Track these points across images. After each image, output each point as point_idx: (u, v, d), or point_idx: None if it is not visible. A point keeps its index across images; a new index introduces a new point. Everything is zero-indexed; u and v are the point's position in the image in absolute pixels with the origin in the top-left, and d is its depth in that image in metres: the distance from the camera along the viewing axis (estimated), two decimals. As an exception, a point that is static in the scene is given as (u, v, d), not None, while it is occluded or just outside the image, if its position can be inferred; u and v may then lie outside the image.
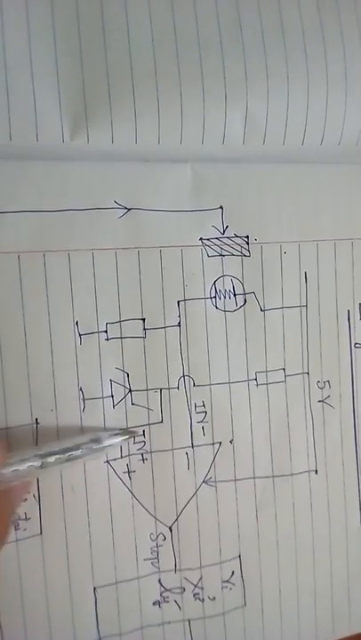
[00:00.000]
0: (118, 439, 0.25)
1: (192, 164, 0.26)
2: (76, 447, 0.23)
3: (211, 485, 0.27)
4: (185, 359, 0.26)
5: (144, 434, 0.26)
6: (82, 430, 0.25)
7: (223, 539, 0.27)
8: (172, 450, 0.26)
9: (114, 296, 0.25)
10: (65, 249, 0.24)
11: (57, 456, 0.23)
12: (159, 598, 0.27)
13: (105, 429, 0.25)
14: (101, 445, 0.24)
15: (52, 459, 0.23)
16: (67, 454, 0.23)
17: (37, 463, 0.22)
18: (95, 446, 0.24)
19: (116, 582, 0.26)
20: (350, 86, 0.26)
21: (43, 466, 0.23)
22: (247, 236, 0.27)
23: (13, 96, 0.22)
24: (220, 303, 0.27)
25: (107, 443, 0.24)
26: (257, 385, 0.27)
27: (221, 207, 0.26)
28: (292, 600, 0.28)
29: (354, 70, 0.26)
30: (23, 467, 0.22)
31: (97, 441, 0.24)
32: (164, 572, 0.27)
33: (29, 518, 0.24)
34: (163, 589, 0.27)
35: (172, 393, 0.26)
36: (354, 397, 0.29)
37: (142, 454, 0.26)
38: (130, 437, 0.25)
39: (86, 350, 0.25)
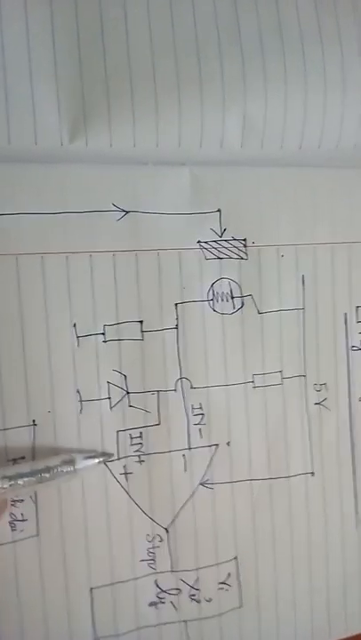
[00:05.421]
0: (93, 462, 0.24)
1: (190, 168, 0.26)
2: (47, 469, 0.23)
3: (207, 487, 0.27)
4: (182, 361, 0.26)
5: (141, 436, 0.26)
6: (56, 451, 0.24)
7: (220, 540, 0.27)
8: (169, 452, 0.26)
9: (112, 298, 0.25)
10: (63, 251, 0.24)
11: (26, 479, 0.23)
12: (155, 599, 0.27)
13: (80, 451, 0.25)
14: (74, 468, 0.24)
15: (21, 481, 0.23)
16: (36, 477, 0.23)
17: (5, 485, 0.22)
18: (67, 469, 0.24)
19: (113, 583, 0.26)
20: (348, 90, 0.26)
21: (12, 487, 0.22)
22: (245, 239, 0.27)
23: (12, 99, 0.23)
24: (217, 306, 0.27)
25: (80, 465, 0.24)
26: (254, 387, 0.27)
27: (219, 210, 0.26)
28: (289, 602, 0.28)
29: (352, 74, 0.26)
30: None
31: (70, 463, 0.24)
32: (160, 573, 0.27)
33: (26, 519, 0.25)
34: (159, 590, 0.27)
35: (170, 395, 0.26)
36: (350, 400, 0.29)
37: (139, 456, 0.26)
38: (105, 460, 0.25)
39: (84, 352, 0.25)
